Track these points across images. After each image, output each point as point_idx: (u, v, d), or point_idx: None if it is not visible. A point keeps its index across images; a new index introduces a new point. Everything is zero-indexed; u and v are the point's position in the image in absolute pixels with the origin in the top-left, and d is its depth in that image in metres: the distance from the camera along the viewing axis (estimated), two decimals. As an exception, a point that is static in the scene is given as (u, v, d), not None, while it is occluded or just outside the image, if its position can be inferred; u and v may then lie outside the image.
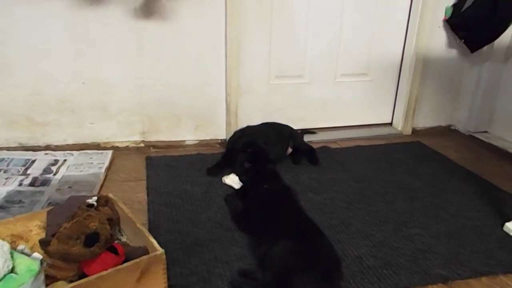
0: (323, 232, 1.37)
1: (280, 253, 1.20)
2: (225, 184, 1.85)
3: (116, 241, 1.20)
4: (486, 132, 2.66)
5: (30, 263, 1.00)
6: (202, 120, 2.32)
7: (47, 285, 1.02)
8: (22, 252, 1.09)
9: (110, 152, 2.12)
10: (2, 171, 1.88)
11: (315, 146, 2.27)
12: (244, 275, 1.28)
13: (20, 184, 1.78)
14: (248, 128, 2.13)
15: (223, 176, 1.89)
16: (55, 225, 1.16)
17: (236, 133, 2.11)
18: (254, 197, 1.63)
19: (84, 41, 2.03)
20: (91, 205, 1.22)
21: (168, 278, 1.12)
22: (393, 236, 1.54)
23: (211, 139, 2.35)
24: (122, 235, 1.29)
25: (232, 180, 1.83)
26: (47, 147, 2.15)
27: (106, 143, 2.22)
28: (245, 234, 1.49)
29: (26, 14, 1.94)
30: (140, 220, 1.37)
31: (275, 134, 2.12)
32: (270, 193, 1.60)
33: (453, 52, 2.57)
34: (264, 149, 1.88)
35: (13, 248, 1.07)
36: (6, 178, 1.82)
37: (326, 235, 1.36)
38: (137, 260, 1.04)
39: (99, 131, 2.20)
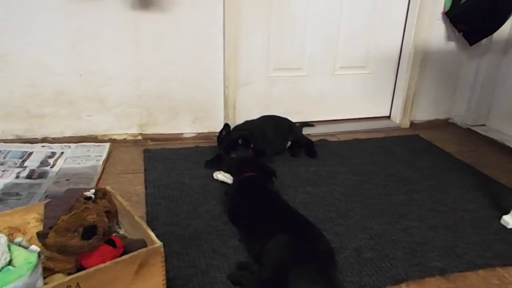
0: (312, 223, 1.37)
1: (276, 248, 1.19)
2: (217, 180, 1.82)
3: (114, 234, 1.20)
4: (484, 125, 2.66)
5: (28, 256, 0.99)
6: (200, 113, 2.31)
7: (45, 277, 1.01)
8: (20, 245, 1.08)
9: (107, 145, 2.11)
10: (-1, 164, 1.87)
11: (313, 139, 2.27)
12: (242, 268, 1.28)
13: (17, 177, 1.77)
14: (246, 122, 2.12)
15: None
16: (52, 218, 1.15)
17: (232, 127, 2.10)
18: (238, 191, 1.62)
19: (81, 32, 2.02)
20: (89, 198, 1.21)
21: (166, 271, 1.12)
22: (391, 228, 1.54)
23: (209, 132, 2.34)
24: (120, 228, 1.29)
25: (224, 176, 1.82)
26: (44, 140, 2.14)
27: (103, 135, 2.21)
28: (238, 229, 1.48)
29: (22, 5, 1.92)
30: (138, 213, 1.37)
31: (273, 127, 2.12)
32: (253, 186, 1.59)
33: (452, 45, 2.56)
34: (236, 140, 1.89)
35: (11, 241, 1.07)
36: (3, 171, 1.81)
37: (316, 226, 1.36)
38: (135, 252, 1.04)
39: (96, 124, 2.19)
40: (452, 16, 2.42)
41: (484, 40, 2.46)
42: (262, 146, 1.95)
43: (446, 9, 2.43)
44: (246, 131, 1.97)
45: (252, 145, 1.91)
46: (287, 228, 1.29)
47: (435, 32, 2.50)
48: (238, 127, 2.07)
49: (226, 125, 2.02)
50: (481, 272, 1.35)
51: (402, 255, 1.39)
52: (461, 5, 2.37)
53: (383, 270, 1.32)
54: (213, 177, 1.85)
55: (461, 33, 2.46)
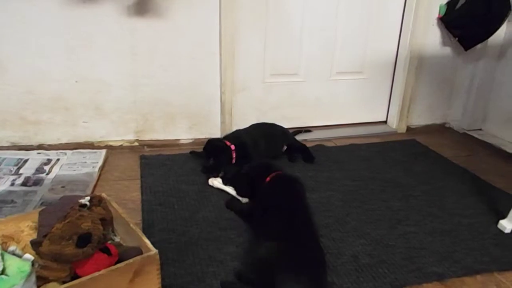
0: (313, 230, 1.35)
1: (265, 254, 1.19)
2: (212, 187, 1.81)
3: (109, 242, 1.19)
4: (480, 129, 2.67)
5: (21, 264, 0.99)
6: (196, 119, 2.31)
7: (39, 286, 1.00)
8: (13, 253, 1.07)
9: (104, 151, 2.11)
10: (-6, 171, 1.86)
11: (310, 144, 2.27)
12: (239, 277, 1.26)
13: (12, 184, 1.76)
14: (236, 131, 2.12)
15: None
16: (47, 226, 1.14)
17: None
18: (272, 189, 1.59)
19: (77, 39, 2.01)
20: (84, 205, 1.21)
21: (162, 278, 1.11)
22: (389, 234, 1.54)
23: (206, 138, 2.32)
24: (115, 235, 1.28)
25: (219, 183, 1.81)
26: (40, 146, 2.13)
27: (100, 142, 2.21)
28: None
29: (19, 12, 1.91)
30: (134, 220, 1.36)
31: (264, 134, 2.09)
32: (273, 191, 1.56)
33: (447, 50, 2.57)
34: (219, 146, 1.92)
35: (4, 249, 1.06)
36: (-2, 178, 1.80)
37: (318, 232, 1.35)
38: (130, 260, 1.03)
39: (92, 130, 2.19)
40: (447, 22, 2.44)
41: (479, 45, 2.47)
42: (254, 151, 1.96)
43: (441, 15, 2.44)
44: (234, 138, 1.98)
45: (234, 148, 1.92)
46: (283, 233, 1.28)
47: (431, 37, 2.51)
48: (227, 136, 2.06)
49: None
50: (478, 277, 1.34)
51: (400, 261, 1.39)
52: (456, 10, 2.38)
53: (380, 276, 1.31)
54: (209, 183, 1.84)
55: (456, 38, 2.47)
